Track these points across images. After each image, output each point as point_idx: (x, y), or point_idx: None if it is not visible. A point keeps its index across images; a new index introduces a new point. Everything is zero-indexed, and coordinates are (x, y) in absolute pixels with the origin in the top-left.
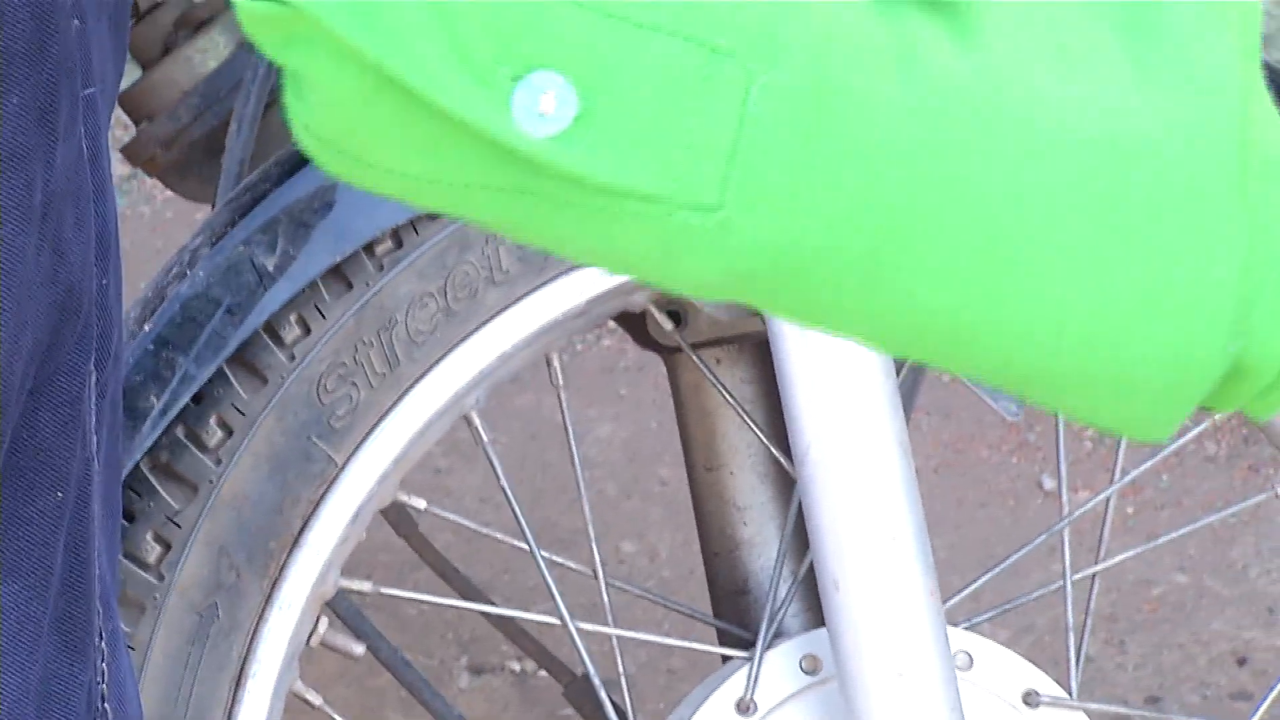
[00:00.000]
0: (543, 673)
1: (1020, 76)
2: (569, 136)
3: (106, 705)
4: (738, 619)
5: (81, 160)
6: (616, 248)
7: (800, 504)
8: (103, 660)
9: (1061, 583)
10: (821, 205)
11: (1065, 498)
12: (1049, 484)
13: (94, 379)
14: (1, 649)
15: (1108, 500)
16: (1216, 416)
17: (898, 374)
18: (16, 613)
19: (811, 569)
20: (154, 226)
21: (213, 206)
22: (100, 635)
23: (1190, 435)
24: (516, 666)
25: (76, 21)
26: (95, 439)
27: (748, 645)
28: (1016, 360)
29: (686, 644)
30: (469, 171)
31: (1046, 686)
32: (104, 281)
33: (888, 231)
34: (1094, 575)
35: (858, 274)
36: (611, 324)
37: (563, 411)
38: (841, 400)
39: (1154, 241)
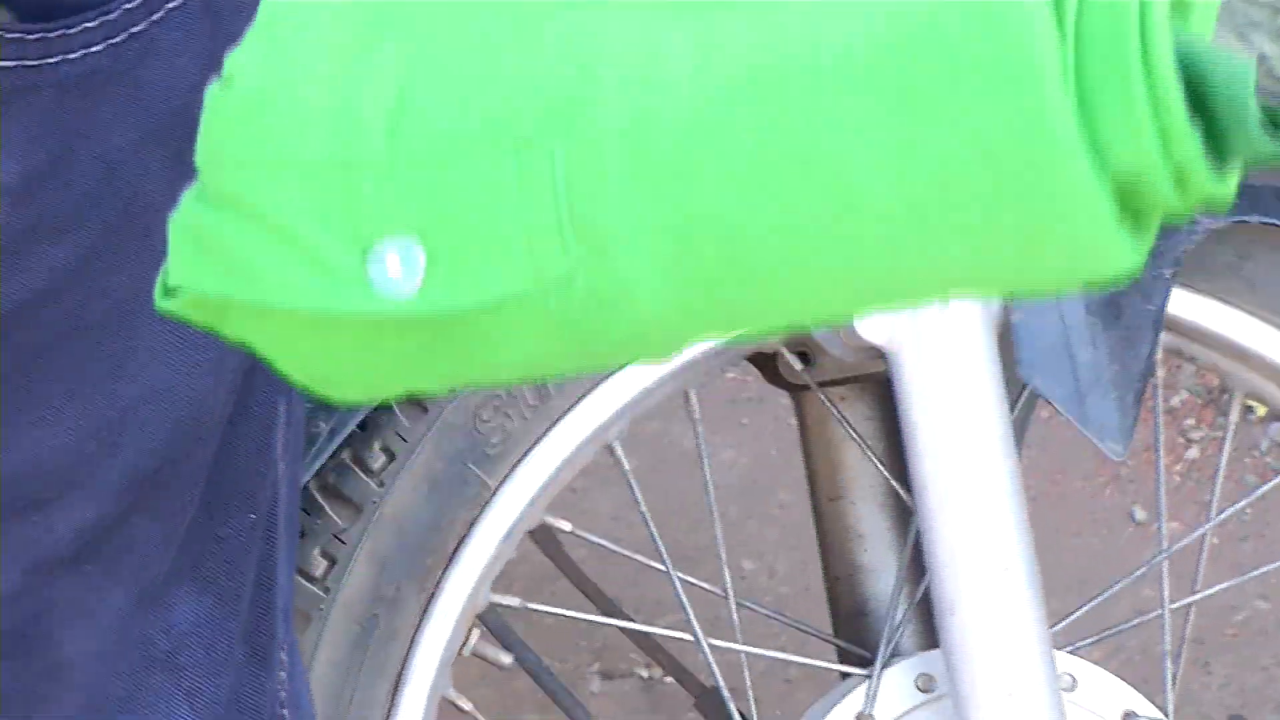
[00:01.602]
0: (669, 679)
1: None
2: (429, 283)
3: (285, 710)
4: (857, 639)
5: None
6: (533, 351)
7: (918, 533)
8: (283, 669)
9: (1159, 611)
10: (658, 231)
11: (1164, 531)
12: (1139, 515)
13: (283, 408)
14: (199, 659)
15: (1203, 536)
16: None
17: (1011, 411)
18: (212, 626)
19: (927, 593)
20: None
21: None
22: (282, 646)
23: (1275, 481)
24: (644, 673)
25: None
26: (282, 465)
27: (866, 663)
28: (916, 271)
29: (811, 662)
30: (391, 354)
31: (1144, 708)
32: None
33: (724, 219)
34: (1190, 606)
35: (727, 270)
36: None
37: (698, 442)
38: (959, 437)
39: (960, 102)
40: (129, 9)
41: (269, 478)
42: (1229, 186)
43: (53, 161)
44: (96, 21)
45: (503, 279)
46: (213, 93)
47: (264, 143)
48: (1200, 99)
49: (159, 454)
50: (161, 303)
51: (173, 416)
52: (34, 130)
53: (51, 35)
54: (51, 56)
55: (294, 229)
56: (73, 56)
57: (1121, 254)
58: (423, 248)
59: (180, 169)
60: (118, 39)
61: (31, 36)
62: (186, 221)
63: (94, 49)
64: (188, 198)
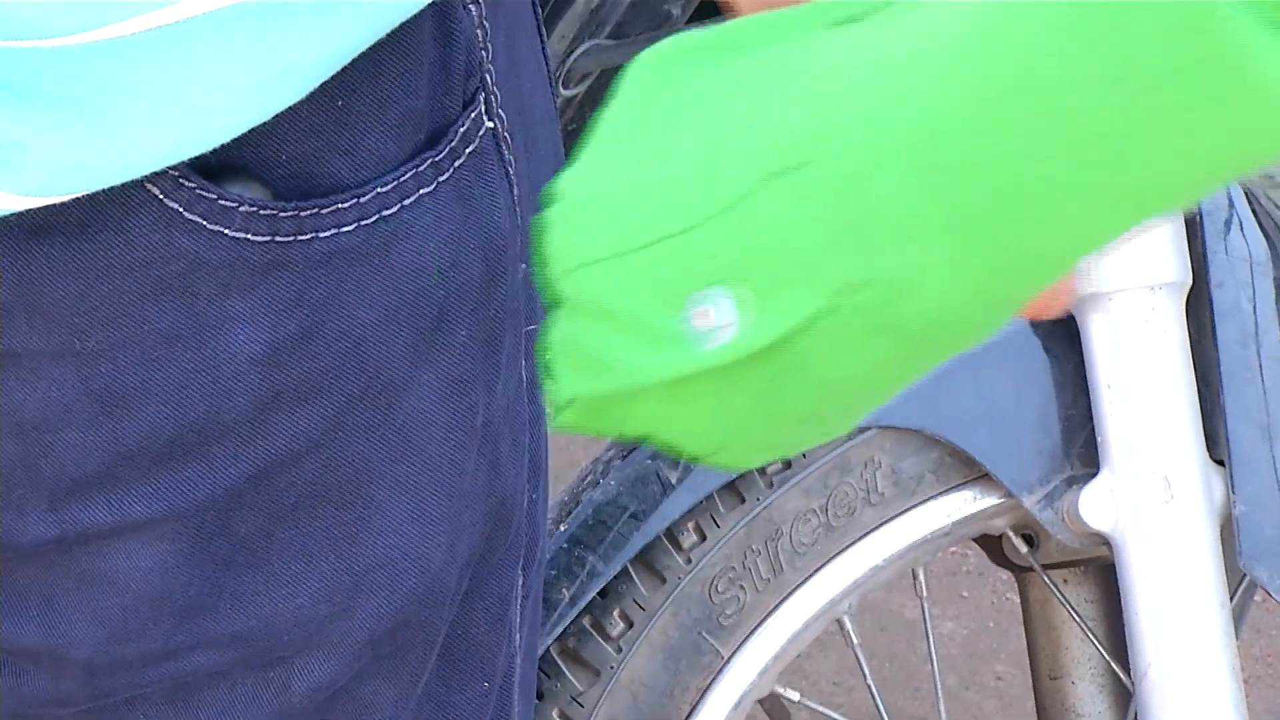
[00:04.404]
0: None
1: None
2: (744, 323)
3: None
4: None
5: (521, 390)
6: (856, 361)
7: (1136, 715)
8: None
9: None
10: (929, 206)
11: None
12: None
13: (521, 582)
14: None
15: None
16: None
17: (1230, 599)
18: None
19: None
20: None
21: None
22: None
23: None
24: None
25: (524, 266)
26: (519, 636)
27: None
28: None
29: None
30: (742, 401)
31: None
32: (534, 496)
33: (977, 177)
34: None
35: (998, 218)
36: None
37: (924, 618)
38: (1179, 623)
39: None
40: (382, 192)
41: (505, 649)
42: None
43: (300, 334)
44: (349, 203)
45: (805, 298)
46: (545, 213)
47: (586, 244)
48: None
49: (393, 619)
50: (559, 421)
51: (406, 584)
52: (282, 303)
53: (304, 214)
54: (303, 234)
55: (624, 311)
56: (324, 235)
57: None
58: (729, 293)
59: (421, 347)
60: (369, 220)
61: (285, 214)
62: (555, 337)
63: (345, 229)
64: (554, 317)
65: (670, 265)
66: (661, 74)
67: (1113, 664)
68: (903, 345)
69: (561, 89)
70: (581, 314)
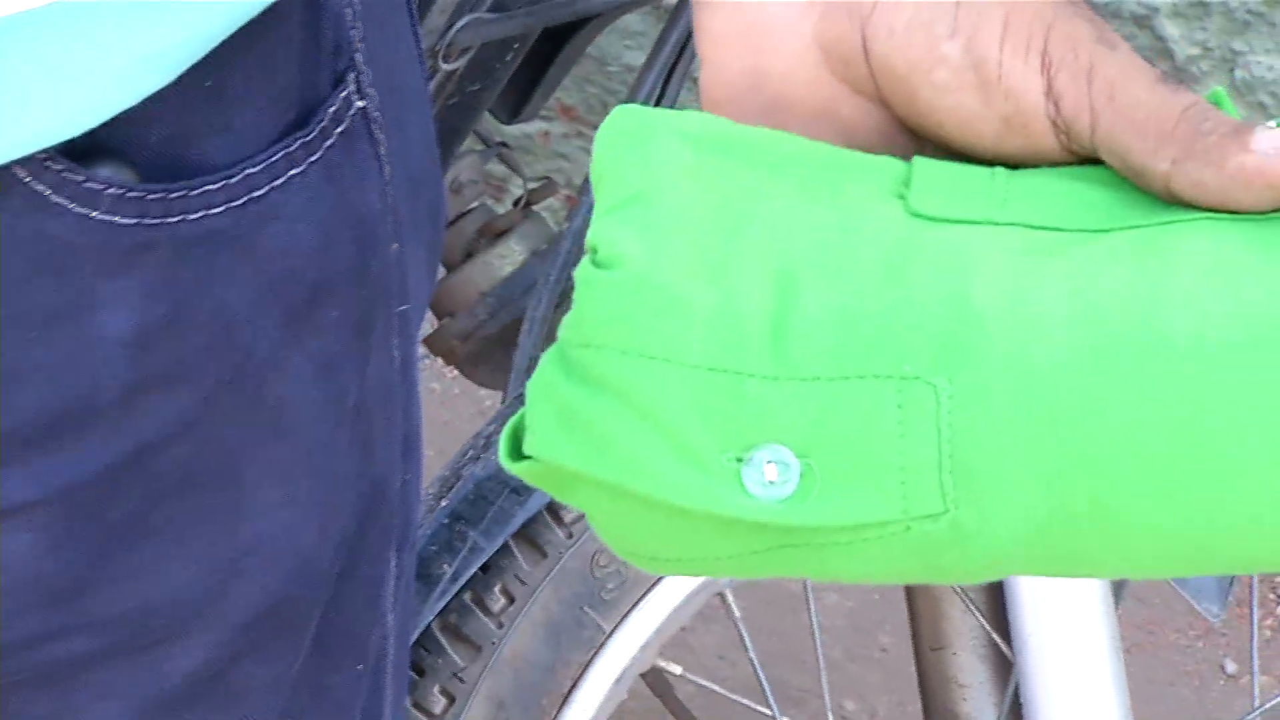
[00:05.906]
0: None
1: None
2: (801, 494)
3: None
4: None
5: (393, 369)
6: (878, 566)
7: (1017, 685)
8: None
9: None
10: (1035, 480)
11: (1257, 688)
12: (1231, 668)
13: (394, 564)
14: None
15: None
16: None
17: None
18: None
19: None
20: (443, 402)
21: (502, 393)
22: None
23: None
24: None
25: (395, 245)
26: (391, 618)
27: None
28: (1253, 544)
29: None
30: (735, 545)
31: None
32: (407, 478)
33: (1101, 477)
34: None
35: (1091, 523)
36: None
37: (805, 587)
38: (1059, 592)
39: None
40: (251, 174)
41: (378, 630)
42: None
43: (167, 316)
44: (218, 184)
45: (872, 506)
46: (588, 272)
47: (645, 335)
48: None
49: (267, 602)
50: (509, 464)
51: (280, 567)
52: (150, 286)
53: (171, 196)
54: (170, 216)
55: (673, 423)
56: (192, 217)
57: None
58: (799, 460)
59: (292, 329)
60: (238, 202)
61: (152, 196)
62: (550, 393)
63: (214, 211)
64: (548, 368)
65: (739, 402)
66: (709, 162)
67: (994, 634)
68: (928, 567)
69: (442, 63)
70: (606, 392)
